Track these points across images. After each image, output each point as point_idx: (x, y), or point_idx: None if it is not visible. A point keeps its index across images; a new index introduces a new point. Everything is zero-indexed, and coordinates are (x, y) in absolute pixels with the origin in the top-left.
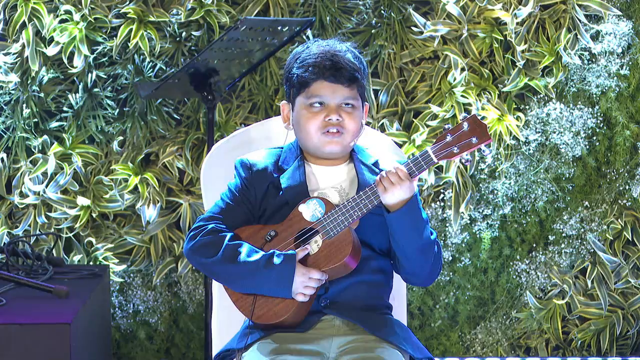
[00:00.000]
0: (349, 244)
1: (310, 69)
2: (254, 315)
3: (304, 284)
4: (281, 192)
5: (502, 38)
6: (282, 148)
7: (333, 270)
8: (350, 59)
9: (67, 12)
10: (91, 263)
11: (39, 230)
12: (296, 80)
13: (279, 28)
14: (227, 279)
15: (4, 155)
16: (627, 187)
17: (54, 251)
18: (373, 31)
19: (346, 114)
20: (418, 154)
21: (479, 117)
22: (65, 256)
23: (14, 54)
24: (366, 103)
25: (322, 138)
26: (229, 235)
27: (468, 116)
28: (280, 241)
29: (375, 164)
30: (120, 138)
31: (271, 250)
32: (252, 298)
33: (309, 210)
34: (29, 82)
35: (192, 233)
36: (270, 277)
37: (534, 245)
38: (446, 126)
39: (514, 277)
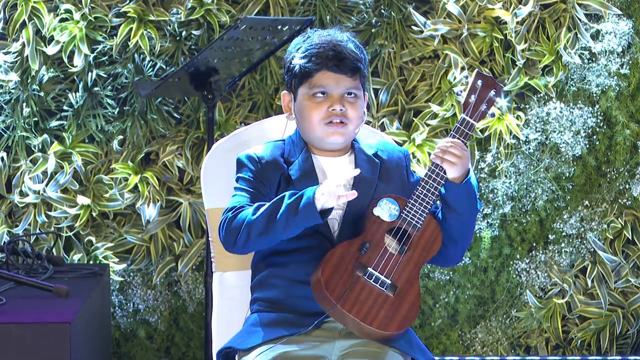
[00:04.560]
0: (438, 230)
1: (313, 59)
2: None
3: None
4: (292, 185)
5: (502, 37)
6: (283, 141)
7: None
8: (352, 48)
9: (67, 11)
10: (91, 262)
11: (39, 229)
12: (298, 71)
13: (279, 27)
14: (265, 239)
15: (4, 154)
16: (627, 186)
17: (54, 250)
18: (373, 30)
19: (349, 104)
20: (457, 124)
21: (482, 72)
22: (65, 255)
23: (14, 53)
24: (366, 92)
25: (325, 129)
26: (248, 208)
27: (474, 74)
28: (378, 248)
29: (376, 154)
30: (120, 137)
31: (292, 191)
32: (347, 286)
33: (384, 211)
34: (29, 81)
35: (221, 232)
36: (297, 215)
37: (534, 244)
38: (459, 92)
39: (514, 276)
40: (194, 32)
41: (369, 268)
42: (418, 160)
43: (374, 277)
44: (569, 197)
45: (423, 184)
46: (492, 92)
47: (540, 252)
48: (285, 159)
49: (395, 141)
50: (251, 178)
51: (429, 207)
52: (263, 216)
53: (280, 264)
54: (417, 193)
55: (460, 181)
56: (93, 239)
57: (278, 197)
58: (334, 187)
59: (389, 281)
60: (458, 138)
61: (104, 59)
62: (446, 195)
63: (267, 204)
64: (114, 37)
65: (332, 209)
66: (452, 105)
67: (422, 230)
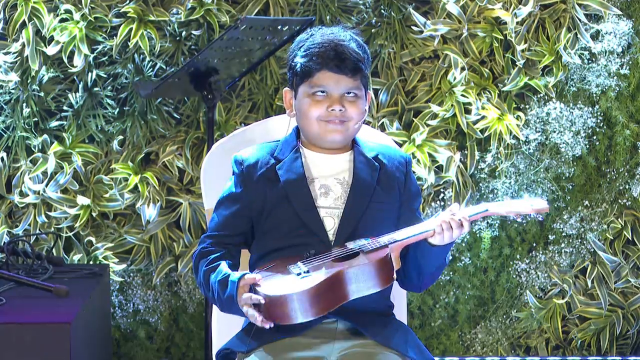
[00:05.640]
0: (386, 260)
1: (314, 58)
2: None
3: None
4: (279, 186)
5: (502, 37)
6: (279, 141)
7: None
8: (354, 48)
9: (67, 11)
10: (91, 262)
11: (39, 230)
12: (299, 69)
13: (279, 27)
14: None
15: (4, 155)
16: (627, 186)
17: (53, 250)
18: (373, 30)
19: (349, 103)
20: (479, 210)
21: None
22: (65, 255)
23: (14, 53)
24: (369, 91)
25: (323, 126)
26: (210, 258)
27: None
28: (320, 254)
29: (376, 158)
30: (120, 137)
31: (225, 274)
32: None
33: (354, 244)
34: (29, 81)
35: (193, 264)
36: (224, 303)
37: (534, 244)
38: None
39: (514, 276)
40: (194, 32)
41: (299, 262)
42: (418, 160)
43: (298, 269)
44: (568, 198)
45: (404, 232)
46: (533, 213)
47: (540, 252)
48: (275, 157)
49: (396, 142)
50: (232, 189)
51: (393, 243)
52: (207, 291)
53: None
54: (392, 234)
55: (432, 246)
56: (93, 239)
57: (219, 276)
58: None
59: (305, 268)
60: (468, 219)
61: (104, 59)
62: (415, 245)
63: (212, 280)
64: (114, 37)
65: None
66: (452, 105)
67: (372, 250)
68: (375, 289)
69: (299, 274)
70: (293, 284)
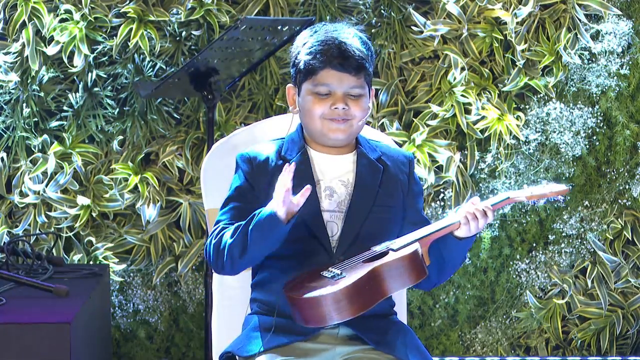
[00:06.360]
0: (415, 255)
1: (317, 56)
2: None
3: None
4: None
5: (502, 37)
6: (283, 138)
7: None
8: (358, 46)
9: (67, 11)
10: (91, 262)
11: (39, 230)
12: (303, 67)
13: (279, 27)
14: (248, 258)
15: (4, 155)
16: (627, 186)
17: (53, 250)
18: (373, 31)
19: (352, 101)
20: (501, 198)
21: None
22: (65, 255)
23: (14, 53)
24: (372, 88)
25: (327, 124)
26: (228, 230)
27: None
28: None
29: (379, 159)
30: (120, 137)
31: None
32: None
33: (380, 247)
34: (29, 81)
35: (209, 258)
36: (262, 227)
37: (534, 244)
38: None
39: (514, 276)
40: (194, 32)
41: (330, 267)
42: (418, 160)
43: (331, 273)
44: (568, 198)
45: (430, 227)
46: (552, 196)
47: (540, 252)
48: (282, 157)
49: (396, 142)
50: (241, 185)
51: (420, 238)
52: (239, 236)
53: (279, 268)
54: (418, 231)
55: (459, 239)
56: (93, 239)
57: (252, 215)
58: (277, 195)
59: (338, 271)
60: (491, 208)
61: (104, 59)
62: (441, 240)
63: (243, 223)
64: (114, 37)
65: (297, 213)
66: (452, 105)
67: (400, 247)
68: (409, 283)
69: (333, 277)
70: (329, 286)
